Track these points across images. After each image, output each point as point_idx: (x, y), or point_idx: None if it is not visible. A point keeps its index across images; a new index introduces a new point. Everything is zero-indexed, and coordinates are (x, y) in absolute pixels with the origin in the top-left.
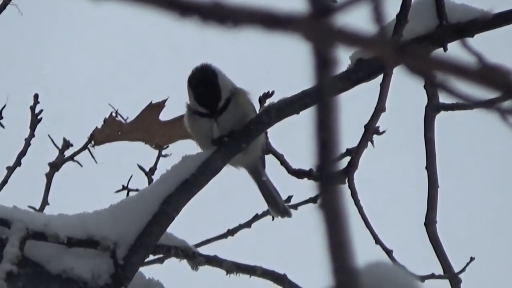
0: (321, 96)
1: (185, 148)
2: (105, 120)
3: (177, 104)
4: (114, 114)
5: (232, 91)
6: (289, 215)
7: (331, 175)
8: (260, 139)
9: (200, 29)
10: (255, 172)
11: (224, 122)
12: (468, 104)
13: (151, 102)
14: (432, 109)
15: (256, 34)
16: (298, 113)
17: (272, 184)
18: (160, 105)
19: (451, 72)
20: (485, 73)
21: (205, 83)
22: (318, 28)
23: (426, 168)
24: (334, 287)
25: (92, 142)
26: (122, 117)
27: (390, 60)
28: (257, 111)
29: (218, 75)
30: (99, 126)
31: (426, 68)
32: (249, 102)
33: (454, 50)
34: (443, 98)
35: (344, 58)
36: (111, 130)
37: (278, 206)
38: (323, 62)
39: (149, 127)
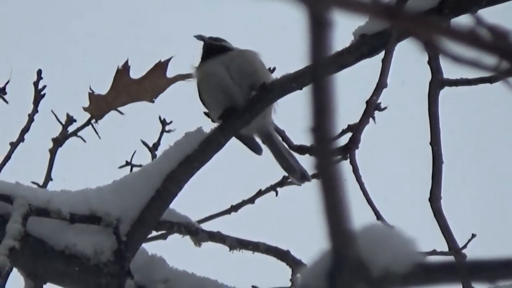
0: (316, 73)
1: (189, 124)
2: (89, 98)
3: (140, 64)
4: (90, 91)
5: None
6: (308, 179)
7: (327, 144)
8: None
9: None
10: (268, 138)
11: (234, 67)
12: (472, 79)
13: (118, 67)
14: (436, 84)
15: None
16: (301, 88)
17: (288, 150)
18: (125, 67)
19: (445, 33)
20: (478, 36)
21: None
22: None
23: (431, 143)
24: (331, 249)
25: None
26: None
27: (384, 22)
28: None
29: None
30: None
31: (421, 30)
32: (254, 55)
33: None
34: (447, 74)
35: (346, 32)
36: (99, 104)
37: (295, 172)
38: (317, 23)
39: (128, 88)
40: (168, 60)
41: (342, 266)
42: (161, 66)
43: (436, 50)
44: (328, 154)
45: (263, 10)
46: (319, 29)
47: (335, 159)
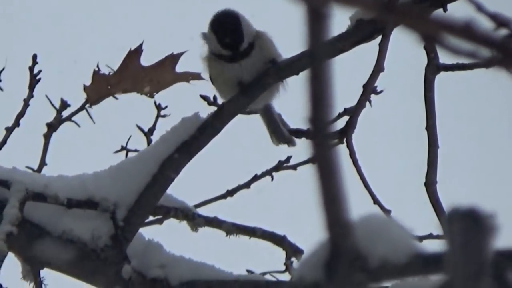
0: (314, 58)
1: (185, 109)
2: (92, 76)
3: (153, 49)
4: (97, 69)
5: (255, 35)
6: (293, 144)
7: (324, 130)
8: None
9: None
10: (266, 106)
11: (249, 67)
12: (468, 64)
13: (130, 49)
14: (432, 69)
15: None
16: (297, 74)
17: (277, 113)
18: (138, 50)
19: (440, 28)
20: (473, 30)
21: (228, 26)
22: None
23: (426, 128)
24: (328, 240)
25: (88, 103)
26: (110, 68)
27: (378, 17)
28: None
29: (241, 19)
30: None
31: (417, 24)
32: (273, 46)
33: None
34: (443, 59)
35: (343, 18)
36: (100, 86)
37: (283, 135)
38: (315, 16)
39: (134, 74)
40: (181, 54)
41: (339, 257)
42: (172, 60)
43: (433, 42)
44: (325, 140)
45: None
46: (316, 22)
47: (332, 144)
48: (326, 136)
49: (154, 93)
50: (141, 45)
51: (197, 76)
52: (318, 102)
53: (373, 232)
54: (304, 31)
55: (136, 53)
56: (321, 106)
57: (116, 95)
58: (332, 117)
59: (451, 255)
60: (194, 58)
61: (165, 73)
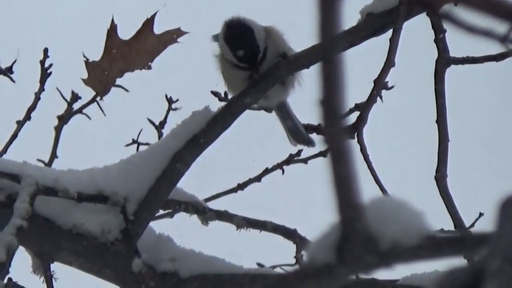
0: (326, 51)
1: (196, 103)
2: (86, 67)
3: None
4: (84, 58)
5: (265, 37)
6: (312, 144)
7: (336, 116)
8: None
9: None
10: (281, 104)
11: (263, 69)
12: (478, 57)
13: (107, 29)
14: (442, 63)
15: None
16: (308, 67)
17: (294, 114)
18: (113, 26)
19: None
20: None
21: (244, 43)
22: None
23: (437, 121)
24: (340, 222)
25: (98, 95)
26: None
27: None
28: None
29: (254, 31)
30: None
31: None
32: (284, 40)
33: None
34: (453, 52)
35: (353, 11)
36: (97, 74)
37: (302, 135)
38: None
39: (121, 51)
40: (154, 15)
41: (350, 239)
42: (148, 23)
43: (448, 19)
44: (338, 126)
45: None
46: (329, 6)
47: (344, 134)
48: (338, 124)
49: (149, 63)
50: (112, 20)
51: (179, 32)
52: (331, 90)
53: (384, 214)
54: (316, 17)
55: (112, 29)
56: (334, 94)
57: (125, 87)
58: (344, 107)
59: (498, 235)
60: (167, 17)
61: (147, 39)
